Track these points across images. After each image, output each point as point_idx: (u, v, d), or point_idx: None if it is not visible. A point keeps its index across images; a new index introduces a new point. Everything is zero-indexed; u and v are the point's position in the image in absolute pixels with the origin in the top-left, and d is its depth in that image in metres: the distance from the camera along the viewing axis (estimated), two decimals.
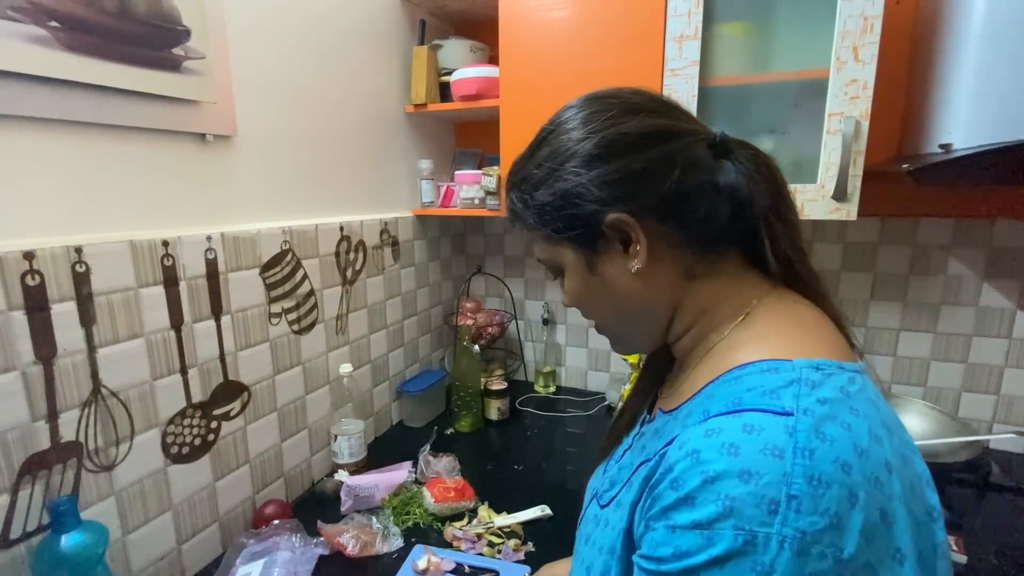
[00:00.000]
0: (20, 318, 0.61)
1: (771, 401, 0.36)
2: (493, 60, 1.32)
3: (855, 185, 0.93)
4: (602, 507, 0.50)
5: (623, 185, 0.45)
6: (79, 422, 0.68)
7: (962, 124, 0.87)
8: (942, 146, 0.88)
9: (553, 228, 0.49)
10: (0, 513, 0.61)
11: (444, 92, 1.36)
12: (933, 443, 1.01)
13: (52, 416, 0.65)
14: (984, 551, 0.86)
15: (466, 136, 1.64)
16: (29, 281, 0.62)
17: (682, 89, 1.02)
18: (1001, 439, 1.07)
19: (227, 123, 0.87)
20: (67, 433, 0.67)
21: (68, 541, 0.63)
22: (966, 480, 1.04)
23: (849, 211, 0.95)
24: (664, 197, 0.44)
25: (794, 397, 0.36)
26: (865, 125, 0.91)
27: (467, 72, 1.27)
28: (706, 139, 0.46)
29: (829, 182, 0.95)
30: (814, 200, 0.97)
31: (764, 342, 0.42)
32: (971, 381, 1.22)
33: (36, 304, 0.63)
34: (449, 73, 1.32)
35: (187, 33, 0.78)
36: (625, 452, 0.56)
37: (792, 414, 0.35)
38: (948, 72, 0.91)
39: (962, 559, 0.83)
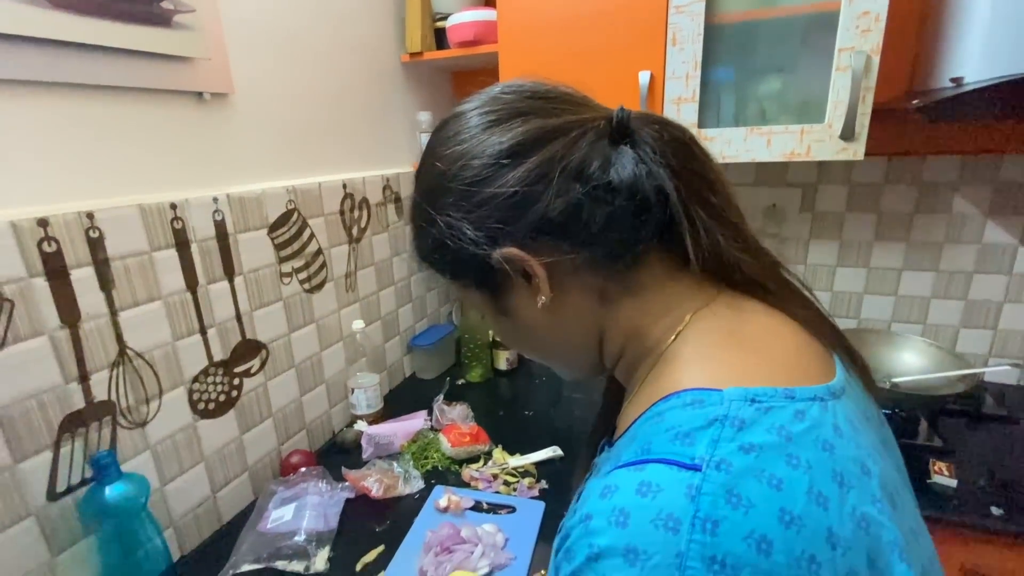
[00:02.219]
0: (42, 284, 0.63)
1: (682, 448, 0.29)
2: (490, 3, 1.27)
3: (863, 124, 0.92)
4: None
5: (497, 218, 0.38)
6: (109, 382, 0.71)
7: (975, 56, 0.85)
8: (953, 80, 0.86)
9: (450, 274, 0.44)
10: (45, 468, 0.65)
11: (440, 39, 1.31)
12: (929, 377, 1.04)
13: (83, 377, 0.68)
14: (973, 475, 0.91)
15: (464, 86, 1.60)
16: (46, 248, 0.63)
17: (687, 27, 0.98)
18: (996, 371, 1.10)
19: (223, 80, 0.85)
20: (99, 393, 0.70)
21: (112, 491, 0.67)
22: (959, 411, 1.08)
23: (856, 151, 0.94)
24: (545, 218, 0.37)
25: (711, 443, 0.29)
26: (876, 60, 0.89)
27: (463, 16, 1.22)
28: (597, 126, 0.38)
29: (837, 121, 0.93)
30: (821, 140, 0.96)
31: (695, 366, 0.35)
32: (970, 317, 1.24)
33: (55, 270, 0.64)
34: (444, 18, 1.27)
35: None
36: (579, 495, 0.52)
37: (699, 468, 0.28)
38: (963, 2, 0.88)
39: (952, 483, 0.88)
